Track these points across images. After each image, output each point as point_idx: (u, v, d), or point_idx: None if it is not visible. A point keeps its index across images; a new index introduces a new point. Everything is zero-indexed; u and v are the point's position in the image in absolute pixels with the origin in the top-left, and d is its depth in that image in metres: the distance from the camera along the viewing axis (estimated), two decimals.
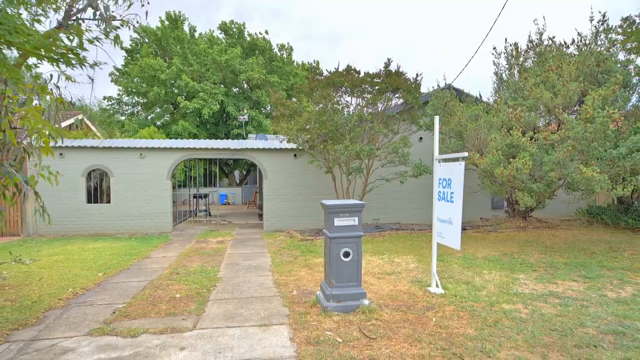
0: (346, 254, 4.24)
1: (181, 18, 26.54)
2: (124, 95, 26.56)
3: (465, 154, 4.53)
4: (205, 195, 16.72)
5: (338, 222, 4.23)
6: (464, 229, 10.80)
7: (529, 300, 4.70)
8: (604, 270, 6.08)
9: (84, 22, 5.38)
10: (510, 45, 10.11)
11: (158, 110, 26.33)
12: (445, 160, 5.14)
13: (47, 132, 4.75)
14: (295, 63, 29.38)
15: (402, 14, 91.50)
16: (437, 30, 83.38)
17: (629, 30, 8.72)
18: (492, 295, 4.89)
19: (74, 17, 5.46)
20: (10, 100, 5.13)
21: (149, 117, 26.82)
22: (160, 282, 5.70)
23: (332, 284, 4.25)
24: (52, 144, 4.71)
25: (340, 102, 9.90)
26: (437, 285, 5.16)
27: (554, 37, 9.36)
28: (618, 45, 8.59)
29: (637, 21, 8.78)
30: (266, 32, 25.09)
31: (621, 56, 9.34)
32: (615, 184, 6.87)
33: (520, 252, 7.53)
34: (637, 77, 8.87)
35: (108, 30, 5.39)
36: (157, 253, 8.15)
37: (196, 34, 27.45)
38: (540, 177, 7.32)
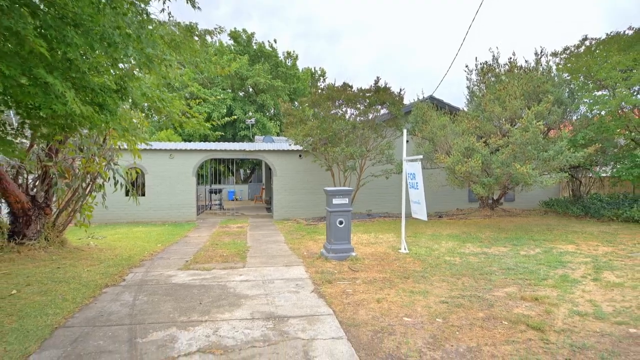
0: (340, 222, 6.44)
1: (192, 28, 28.65)
2: None
3: (421, 156, 6.74)
4: (219, 191, 18.92)
5: (335, 201, 6.43)
6: (440, 216, 13.02)
7: (465, 256, 6.91)
8: (530, 241, 8.28)
9: None
10: (481, 63, 12.34)
11: None
12: (410, 160, 7.33)
13: (132, 139, 6.87)
14: (300, 69, 31.60)
15: (402, 13, 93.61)
16: (437, 28, 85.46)
17: (568, 56, 10.92)
18: (441, 253, 7.10)
19: None
20: None
21: (161, 120, 29.00)
22: (206, 248, 7.89)
23: (331, 242, 6.46)
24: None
25: (337, 112, 12.08)
26: (405, 248, 7.35)
27: (515, 58, 11.62)
28: (555, 72, 10.80)
29: (575, 50, 10.98)
30: (275, 41, 27.39)
31: (565, 75, 11.56)
32: (547, 179, 9.07)
33: (477, 232, 9.73)
34: (575, 94, 11.09)
35: None
36: (192, 233, 10.33)
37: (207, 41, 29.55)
38: (491, 173, 9.52)
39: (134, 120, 7.77)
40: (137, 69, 3.41)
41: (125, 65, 3.27)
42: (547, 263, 6.26)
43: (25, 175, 6.74)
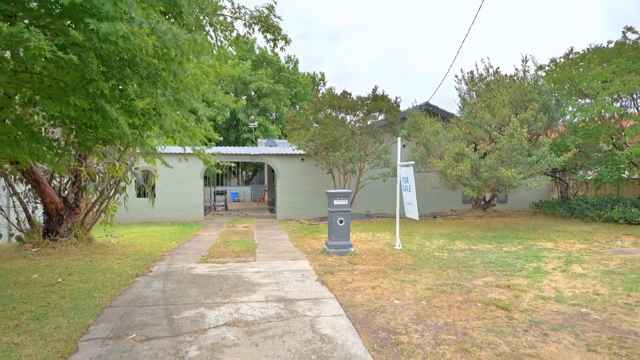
0: (340, 221, 7.19)
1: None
2: None
3: (413, 162, 7.49)
4: (224, 192, 19.68)
5: (336, 202, 7.18)
6: (434, 217, 13.77)
7: (453, 252, 7.66)
8: (514, 239, 9.03)
9: None
10: (468, 73, 13.11)
11: None
12: (404, 165, 8.09)
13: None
14: (300, 71, 32.43)
15: (402, 13, 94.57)
16: (437, 28, 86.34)
17: (554, 67, 11.69)
18: (431, 250, 7.85)
19: None
20: None
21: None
22: (218, 245, 8.64)
23: (332, 239, 7.21)
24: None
25: (338, 116, 12.84)
26: (399, 245, 8.10)
27: (498, 68, 12.39)
28: (542, 81, 11.56)
29: (562, 61, 11.75)
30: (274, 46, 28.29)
31: (551, 85, 12.32)
32: (530, 181, 9.82)
33: (467, 231, 10.47)
34: (561, 102, 11.85)
35: None
36: (203, 232, 11.07)
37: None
38: (480, 177, 10.28)
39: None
40: (169, 106, 4.16)
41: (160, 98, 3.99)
42: (524, 258, 7.00)
43: (58, 179, 7.48)
